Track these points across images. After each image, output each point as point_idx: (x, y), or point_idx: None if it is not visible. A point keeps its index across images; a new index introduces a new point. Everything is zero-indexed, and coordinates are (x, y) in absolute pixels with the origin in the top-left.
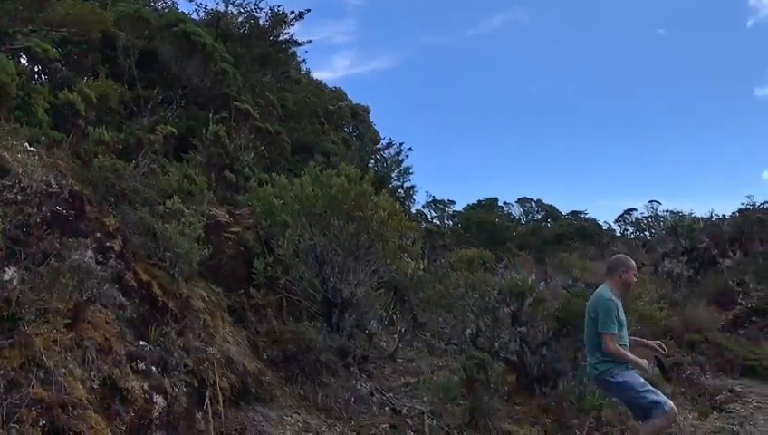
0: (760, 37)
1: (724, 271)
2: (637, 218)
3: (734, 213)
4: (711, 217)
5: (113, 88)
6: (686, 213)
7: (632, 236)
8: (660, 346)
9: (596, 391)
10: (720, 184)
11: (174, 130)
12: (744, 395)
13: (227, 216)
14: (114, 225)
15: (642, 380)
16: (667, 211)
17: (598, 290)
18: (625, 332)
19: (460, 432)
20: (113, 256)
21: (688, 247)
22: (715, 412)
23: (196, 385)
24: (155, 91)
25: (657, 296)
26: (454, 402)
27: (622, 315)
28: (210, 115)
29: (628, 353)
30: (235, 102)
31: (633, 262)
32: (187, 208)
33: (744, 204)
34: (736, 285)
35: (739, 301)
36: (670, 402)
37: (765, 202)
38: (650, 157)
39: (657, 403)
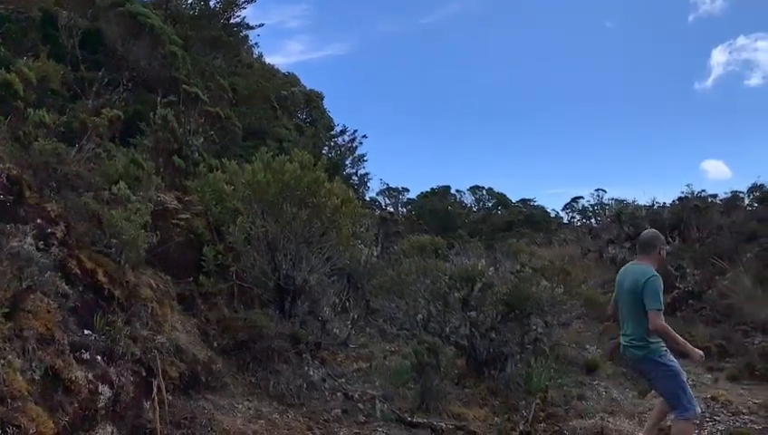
0: (700, 33)
1: (665, 256)
2: (583, 206)
3: (674, 201)
4: (653, 205)
5: (55, 69)
6: (630, 201)
7: (579, 224)
8: None
9: (543, 372)
10: (662, 173)
11: (120, 113)
12: None
13: (176, 202)
14: (56, 211)
15: (684, 372)
16: (612, 199)
17: (638, 267)
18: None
19: (411, 415)
20: (55, 242)
21: (632, 234)
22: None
23: (144, 374)
24: (100, 74)
25: (602, 281)
26: (405, 386)
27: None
28: (158, 99)
29: (678, 335)
30: (184, 86)
31: None
32: (134, 194)
33: (683, 192)
34: (675, 269)
35: (677, 285)
36: (698, 407)
37: (702, 190)
38: (597, 147)
39: (687, 406)
